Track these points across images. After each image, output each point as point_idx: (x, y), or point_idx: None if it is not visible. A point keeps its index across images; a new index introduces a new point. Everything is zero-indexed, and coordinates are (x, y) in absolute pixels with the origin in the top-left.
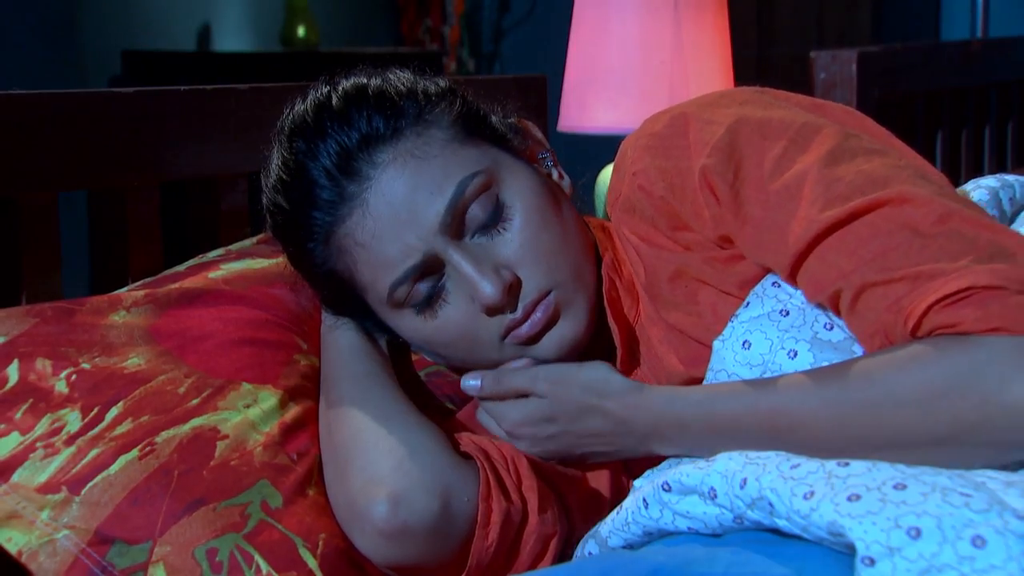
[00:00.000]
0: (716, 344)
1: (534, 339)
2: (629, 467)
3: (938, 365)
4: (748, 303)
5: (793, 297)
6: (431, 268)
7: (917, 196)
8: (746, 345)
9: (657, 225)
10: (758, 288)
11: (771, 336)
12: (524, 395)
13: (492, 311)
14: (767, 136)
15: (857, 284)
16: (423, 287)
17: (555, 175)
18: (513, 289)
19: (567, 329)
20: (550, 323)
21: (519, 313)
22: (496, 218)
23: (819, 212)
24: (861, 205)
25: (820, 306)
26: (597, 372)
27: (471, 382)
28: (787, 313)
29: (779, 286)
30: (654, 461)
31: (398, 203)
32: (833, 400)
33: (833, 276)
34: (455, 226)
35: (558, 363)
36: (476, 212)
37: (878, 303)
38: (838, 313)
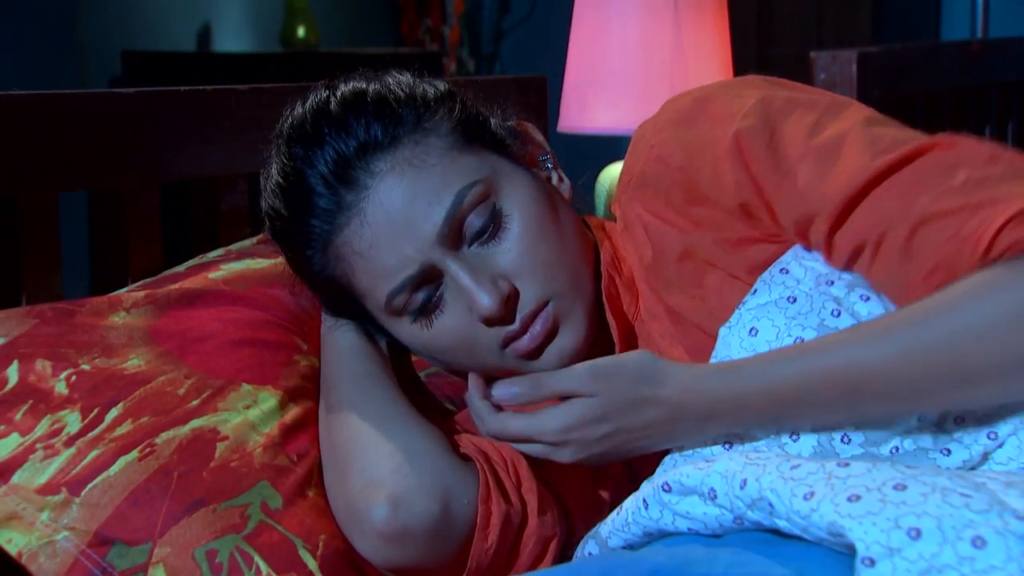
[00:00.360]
0: (722, 331)
1: (535, 352)
2: (633, 469)
3: (1015, 287)
4: (755, 290)
5: (801, 283)
6: (429, 277)
7: (964, 140)
8: (753, 332)
9: (671, 199)
10: (765, 275)
11: (778, 323)
12: (559, 399)
13: (490, 322)
14: (797, 108)
15: (912, 222)
16: (421, 296)
17: (555, 178)
18: (511, 300)
19: (567, 340)
20: (550, 336)
21: (516, 325)
22: (494, 227)
23: (870, 160)
24: (910, 150)
25: (847, 268)
26: (644, 359)
27: (504, 391)
28: (795, 300)
29: (787, 272)
30: (661, 458)
31: (395, 213)
32: (907, 343)
33: (881, 219)
34: (452, 236)
35: (597, 358)
36: (474, 222)
37: (938, 236)
38: (869, 268)
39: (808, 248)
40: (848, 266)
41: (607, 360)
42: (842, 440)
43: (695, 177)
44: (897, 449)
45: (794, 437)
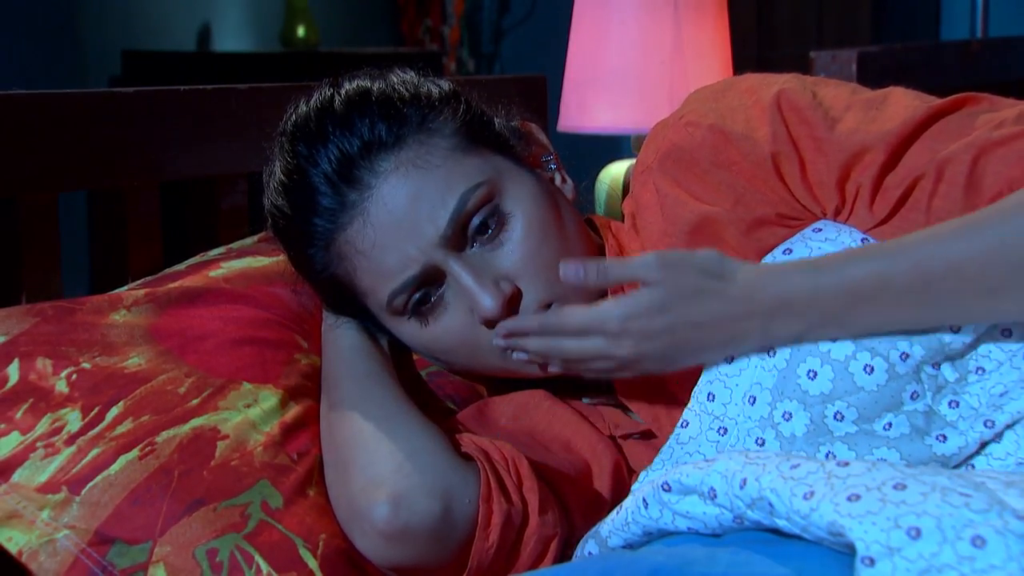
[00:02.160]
0: None
1: None
2: (630, 465)
3: None
4: None
5: None
6: (431, 278)
7: (1003, 99)
8: None
9: (697, 160)
10: (768, 258)
11: None
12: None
13: (491, 323)
14: (831, 81)
15: (973, 151)
16: (423, 296)
17: (558, 179)
18: (512, 302)
19: None
20: None
21: None
22: (497, 229)
23: (921, 103)
24: (959, 98)
25: (892, 213)
26: (711, 254)
27: (572, 268)
28: None
29: (790, 253)
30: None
31: (399, 214)
32: (984, 238)
33: (938, 154)
34: (456, 238)
35: (667, 250)
36: (477, 223)
37: (1000, 163)
38: (929, 201)
39: (837, 210)
40: (895, 210)
41: (675, 251)
42: (835, 417)
43: (726, 131)
44: (890, 425)
45: (787, 416)
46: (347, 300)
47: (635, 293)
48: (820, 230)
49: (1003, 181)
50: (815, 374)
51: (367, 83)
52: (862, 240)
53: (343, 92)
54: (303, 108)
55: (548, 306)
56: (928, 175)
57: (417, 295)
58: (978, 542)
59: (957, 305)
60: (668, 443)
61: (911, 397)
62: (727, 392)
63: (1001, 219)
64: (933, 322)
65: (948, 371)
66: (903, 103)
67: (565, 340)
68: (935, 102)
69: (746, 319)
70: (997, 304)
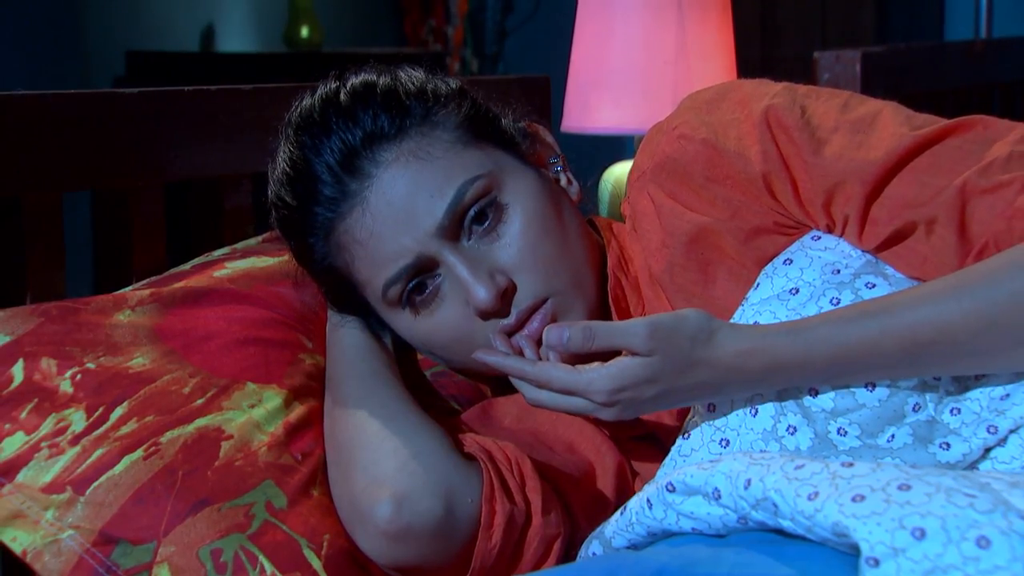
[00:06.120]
0: None
1: None
2: (633, 467)
3: None
4: (758, 284)
5: (805, 273)
6: (425, 268)
7: (998, 121)
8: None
9: (691, 174)
10: (768, 268)
11: (780, 316)
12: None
13: (485, 315)
14: (823, 93)
15: (961, 198)
16: (418, 287)
17: (563, 180)
18: (507, 295)
19: None
20: None
21: (512, 319)
22: (495, 222)
23: (909, 130)
24: (949, 126)
25: (886, 245)
26: (701, 319)
27: (556, 334)
28: (797, 291)
29: (791, 263)
30: (658, 458)
31: (397, 203)
32: (975, 302)
33: (925, 193)
34: (452, 229)
35: (652, 316)
36: (474, 215)
37: (986, 212)
38: (926, 243)
39: (829, 228)
40: (887, 244)
41: (665, 318)
42: (839, 432)
43: (719, 148)
44: (893, 437)
45: (791, 430)
46: (347, 293)
47: (626, 365)
48: (819, 238)
49: (988, 233)
50: (816, 392)
51: (373, 77)
52: (861, 250)
53: (348, 85)
54: (308, 101)
55: (544, 301)
56: (922, 222)
57: (412, 284)
58: (983, 543)
59: (945, 366)
60: (670, 455)
61: (913, 409)
62: (728, 403)
63: (991, 284)
64: (919, 376)
65: (947, 379)
66: (890, 129)
67: (549, 394)
68: (923, 130)
69: (735, 385)
70: (985, 364)
